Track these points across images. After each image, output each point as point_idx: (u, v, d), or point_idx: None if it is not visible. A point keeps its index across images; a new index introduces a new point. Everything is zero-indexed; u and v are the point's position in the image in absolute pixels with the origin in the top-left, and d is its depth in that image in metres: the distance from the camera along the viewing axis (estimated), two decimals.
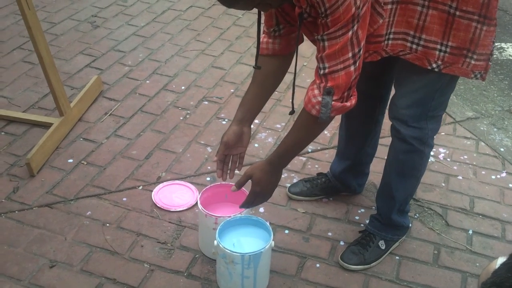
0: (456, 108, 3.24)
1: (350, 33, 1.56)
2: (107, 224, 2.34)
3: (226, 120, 3.01)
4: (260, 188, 1.90)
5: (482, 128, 3.10)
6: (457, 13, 1.71)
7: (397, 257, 2.27)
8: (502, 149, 2.93)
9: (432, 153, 2.81)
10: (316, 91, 1.67)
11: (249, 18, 4.07)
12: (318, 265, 2.22)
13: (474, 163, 2.81)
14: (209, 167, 2.68)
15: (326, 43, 1.59)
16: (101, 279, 2.11)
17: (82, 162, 2.67)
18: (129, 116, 3.01)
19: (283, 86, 2.04)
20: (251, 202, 1.98)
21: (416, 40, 1.77)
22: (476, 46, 1.78)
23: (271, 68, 1.92)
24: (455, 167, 2.77)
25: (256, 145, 2.84)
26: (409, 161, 2.09)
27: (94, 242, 2.26)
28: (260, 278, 2.04)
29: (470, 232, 2.40)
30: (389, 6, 1.71)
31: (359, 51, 1.61)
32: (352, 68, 1.62)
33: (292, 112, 1.94)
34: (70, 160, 2.68)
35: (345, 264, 2.21)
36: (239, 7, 1.60)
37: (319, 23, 1.58)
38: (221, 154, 1.98)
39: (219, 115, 3.06)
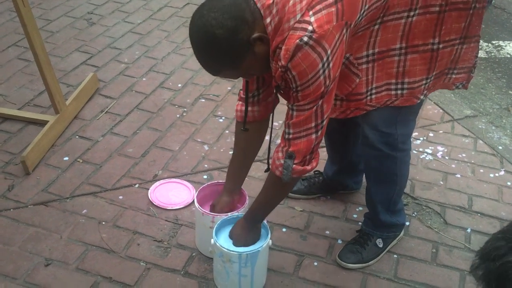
0: (454, 106, 3.23)
1: (315, 107, 1.63)
2: (103, 222, 2.32)
3: (223, 118, 2.99)
4: (241, 244, 1.98)
5: (480, 126, 3.09)
6: (441, 46, 1.78)
7: (395, 256, 2.26)
8: (500, 147, 2.92)
9: (430, 151, 2.83)
10: (280, 154, 1.75)
11: None
12: (316, 263, 2.21)
13: (473, 161, 2.80)
14: (205, 165, 2.66)
15: (295, 113, 1.68)
16: (97, 277, 2.09)
17: (78, 160, 2.65)
18: (125, 114, 2.99)
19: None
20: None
21: (399, 86, 1.83)
22: (456, 63, 1.87)
23: (252, 135, 2.03)
24: (453, 165, 2.76)
25: None
26: (382, 167, 2.09)
27: (90, 240, 2.24)
28: (258, 276, 2.03)
29: (469, 230, 2.39)
30: (364, 66, 1.77)
31: (322, 121, 1.69)
32: (313, 136, 1.70)
33: (267, 170, 1.98)
34: (66, 158, 2.66)
35: (343, 262, 2.19)
36: (223, 76, 1.71)
37: (291, 95, 1.65)
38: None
39: (215, 113, 3.05)
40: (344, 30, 1.55)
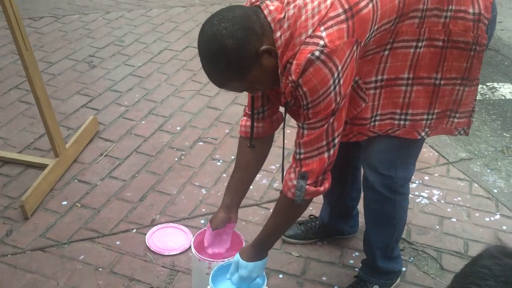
0: (449, 149, 3.27)
1: (326, 124, 1.64)
2: (100, 269, 2.32)
3: (221, 161, 3.03)
4: (247, 272, 1.90)
5: (475, 169, 3.12)
6: (442, 82, 1.80)
7: None
8: (495, 191, 2.94)
9: (425, 195, 2.85)
10: (292, 175, 1.74)
11: None
12: None
13: (468, 205, 2.82)
14: (203, 209, 2.68)
15: (305, 131, 1.68)
16: None
17: (76, 204, 2.68)
18: (124, 157, 3.03)
19: (277, 133, 2.07)
20: (238, 286, 1.94)
21: (403, 117, 1.84)
22: (458, 106, 1.87)
23: (254, 151, 2.01)
24: (449, 209, 2.77)
25: (251, 187, 2.83)
26: (381, 210, 2.11)
27: (86, 287, 2.24)
28: None
29: None
30: (372, 91, 1.78)
31: (333, 139, 1.68)
32: (325, 155, 1.70)
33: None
34: (64, 202, 2.68)
35: None
36: (228, 88, 1.71)
37: (301, 113, 1.66)
38: (210, 242, 2.05)
39: (214, 156, 3.08)
40: (355, 47, 1.58)
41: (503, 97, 4.08)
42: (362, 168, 2.13)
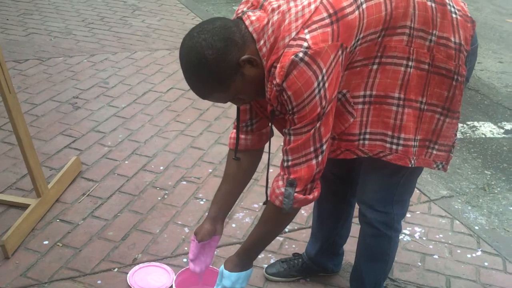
0: (430, 187, 3.30)
1: (313, 130, 1.62)
2: None
3: (204, 200, 3.03)
4: (230, 283, 1.89)
5: (456, 207, 3.15)
6: (425, 107, 1.79)
7: None
8: (476, 227, 2.97)
9: (407, 232, 2.86)
10: (280, 182, 1.73)
11: None
12: None
13: (450, 241, 2.83)
14: (186, 248, 2.67)
15: (292, 137, 1.66)
16: None
17: (58, 244, 2.65)
18: (107, 197, 3.02)
19: (260, 166, 2.09)
20: None
21: (395, 140, 1.80)
22: (438, 137, 1.85)
23: (242, 164, 1.99)
24: (430, 246, 2.79)
25: (233, 225, 2.84)
26: (377, 245, 2.11)
27: None
28: None
29: None
30: (360, 106, 1.76)
31: (321, 146, 1.66)
32: (313, 161, 1.68)
33: (266, 202, 1.95)
34: (46, 242, 2.66)
35: None
36: (212, 99, 1.70)
37: (287, 119, 1.65)
38: (195, 255, 2.02)
39: (197, 195, 3.08)
40: (340, 52, 1.56)
41: (483, 136, 4.16)
42: (356, 205, 2.13)
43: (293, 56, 1.52)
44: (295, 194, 1.71)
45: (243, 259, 1.90)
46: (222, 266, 1.92)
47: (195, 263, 2.03)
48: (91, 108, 3.95)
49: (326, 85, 1.57)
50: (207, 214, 2.08)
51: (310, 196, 1.74)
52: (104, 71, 4.54)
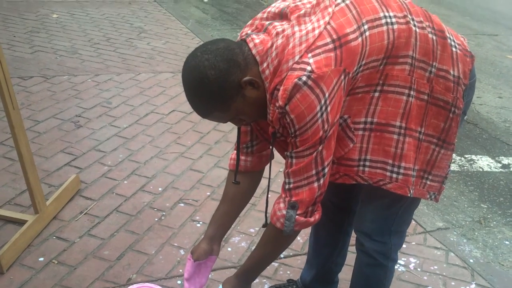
0: (426, 218, 3.31)
1: (315, 153, 1.64)
2: None
3: (200, 222, 3.04)
4: None
5: (452, 239, 3.15)
6: (423, 137, 1.80)
7: None
8: (471, 260, 2.97)
9: (402, 262, 2.87)
10: (282, 205, 1.74)
11: (229, 123, 4.17)
12: None
13: (444, 273, 2.83)
14: (180, 270, 2.68)
15: (294, 160, 1.67)
16: None
17: (53, 261, 2.66)
18: (104, 216, 3.03)
19: (258, 191, 2.11)
20: None
21: (396, 169, 1.80)
22: (432, 168, 1.86)
23: (242, 185, 2.00)
24: (425, 277, 2.79)
25: (229, 249, 2.85)
26: (373, 274, 2.12)
27: None
28: None
29: None
30: (360, 132, 1.77)
31: (323, 169, 1.68)
32: (315, 184, 1.69)
33: (265, 225, 1.97)
34: (41, 259, 2.66)
35: None
36: (212, 119, 1.72)
37: (289, 142, 1.67)
38: (190, 274, 2.02)
39: (194, 217, 3.09)
40: (342, 77, 1.58)
41: (480, 169, 4.18)
42: (353, 234, 2.14)
43: (296, 80, 1.54)
44: (297, 216, 1.71)
45: (242, 281, 1.91)
46: (220, 286, 1.92)
47: (190, 282, 2.03)
48: (93, 127, 3.98)
49: (329, 109, 1.59)
50: (204, 234, 2.08)
51: (311, 219, 1.75)
52: (108, 91, 4.58)
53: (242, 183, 2.00)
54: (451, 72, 1.77)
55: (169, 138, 3.93)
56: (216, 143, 3.94)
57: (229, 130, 4.12)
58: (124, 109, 4.31)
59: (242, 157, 1.97)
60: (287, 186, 1.72)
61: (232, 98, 1.63)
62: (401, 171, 1.80)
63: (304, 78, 1.54)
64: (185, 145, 3.86)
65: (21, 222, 2.81)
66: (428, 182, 1.89)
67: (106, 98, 4.45)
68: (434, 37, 1.75)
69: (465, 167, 4.18)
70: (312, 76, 1.54)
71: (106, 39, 5.84)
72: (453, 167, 4.11)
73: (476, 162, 4.29)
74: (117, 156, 3.63)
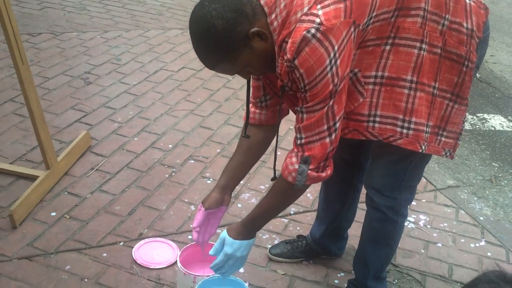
0: (437, 176, 3.30)
1: (326, 107, 1.61)
2: (86, 279, 2.33)
3: (211, 179, 3.05)
4: (232, 250, 1.89)
5: (462, 197, 3.15)
6: (437, 92, 1.77)
7: None
8: (481, 218, 2.97)
9: (412, 219, 2.87)
10: (294, 159, 1.72)
11: (238, 81, 4.17)
12: None
13: (454, 231, 2.84)
14: (191, 225, 2.68)
15: (305, 115, 1.65)
16: None
17: (65, 216, 2.68)
18: (115, 172, 3.04)
19: (269, 149, 2.10)
20: (221, 265, 1.93)
21: (406, 124, 1.78)
22: (446, 123, 1.84)
23: (256, 138, 1.99)
24: (434, 234, 2.80)
25: (239, 205, 2.86)
26: (383, 229, 2.12)
27: None
28: None
29: None
30: (371, 87, 1.74)
31: (335, 124, 1.65)
32: (327, 140, 1.67)
33: (274, 179, 1.96)
34: (53, 214, 2.69)
35: None
36: (219, 70, 1.69)
37: (299, 96, 1.64)
38: (199, 223, 2.01)
39: (204, 174, 3.10)
40: (352, 29, 1.55)
41: (493, 128, 4.15)
42: (364, 189, 2.15)
43: (305, 32, 1.51)
44: (309, 171, 1.70)
45: (248, 228, 1.90)
46: (225, 232, 1.92)
47: (199, 232, 2.04)
48: (102, 84, 3.97)
49: (338, 62, 1.55)
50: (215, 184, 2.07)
51: (323, 174, 1.74)
52: (117, 47, 4.55)
53: (257, 135, 1.99)
54: (464, 24, 1.73)
55: (178, 95, 3.91)
56: (226, 101, 3.92)
57: (239, 87, 4.09)
58: (133, 66, 4.28)
59: (257, 111, 1.96)
60: (298, 141, 1.70)
61: (239, 49, 1.60)
62: (412, 126, 1.78)
63: (312, 31, 1.50)
64: (195, 102, 3.84)
65: (32, 178, 2.83)
66: (443, 139, 1.86)
67: (115, 55, 4.42)
68: None
69: (477, 126, 4.15)
70: (321, 29, 1.50)
71: None
72: (465, 125, 4.06)
73: (488, 121, 4.25)
74: (127, 113, 3.63)
